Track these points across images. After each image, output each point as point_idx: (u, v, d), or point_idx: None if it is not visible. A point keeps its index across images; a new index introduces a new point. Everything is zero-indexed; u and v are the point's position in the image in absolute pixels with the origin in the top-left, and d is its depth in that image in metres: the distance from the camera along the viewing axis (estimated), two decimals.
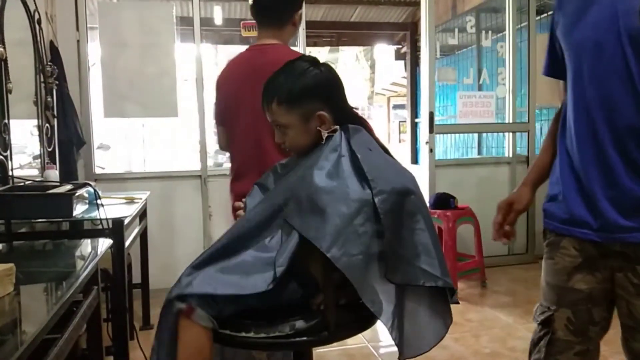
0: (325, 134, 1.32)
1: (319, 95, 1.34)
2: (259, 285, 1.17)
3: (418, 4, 4.16)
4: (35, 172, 2.62)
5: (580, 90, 1.17)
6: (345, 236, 1.16)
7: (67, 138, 3.05)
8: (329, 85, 1.37)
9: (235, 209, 1.52)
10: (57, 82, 2.78)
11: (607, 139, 1.12)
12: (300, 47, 3.89)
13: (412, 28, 6.65)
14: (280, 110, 1.34)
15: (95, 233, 1.96)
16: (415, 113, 7.11)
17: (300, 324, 1.22)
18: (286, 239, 1.22)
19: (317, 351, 1.55)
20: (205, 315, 1.17)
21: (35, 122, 2.61)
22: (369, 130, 1.40)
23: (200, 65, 3.75)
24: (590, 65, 1.14)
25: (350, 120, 1.38)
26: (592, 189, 1.15)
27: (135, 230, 2.63)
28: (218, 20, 5.11)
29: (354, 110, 1.48)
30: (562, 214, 1.23)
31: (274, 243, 1.25)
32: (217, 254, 1.26)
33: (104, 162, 4.51)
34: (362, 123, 1.41)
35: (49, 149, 2.71)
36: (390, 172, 1.28)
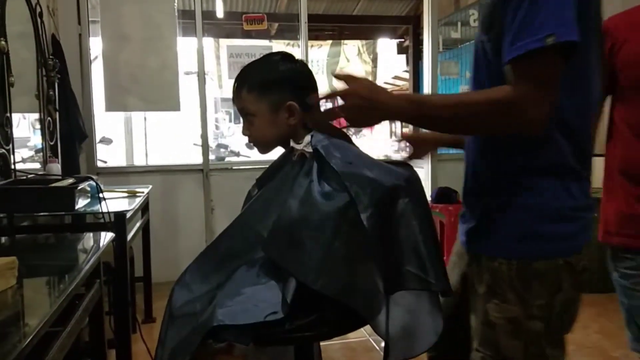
0: (298, 150, 1.29)
1: (291, 88, 1.31)
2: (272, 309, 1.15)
3: None
4: (37, 165, 2.62)
5: None
6: (329, 266, 1.12)
7: (69, 132, 3.06)
8: (302, 81, 1.34)
9: None
10: (59, 76, 2.78)
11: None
12: (302, 41, 3.88)
13: (414, 22, 6.60)
14: (250, 98, 1.31)
15: (97, 226, 1.96)
16: None
17: (298, 319, 1.18)
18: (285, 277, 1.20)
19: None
20: (243, 346, 1.15)
21: (37, 115, 2.61)
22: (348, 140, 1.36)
23: (202, 58, 3.74)
24: None
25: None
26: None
27: (138, 224, 2.64)
28: (220, 13, 5.09)
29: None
30: None
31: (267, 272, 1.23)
32: (210, 267, 1.25)
33: (105, 155, 4.50)
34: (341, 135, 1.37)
35: (51, 143, 2.71)
36: (379, 177, 1.21)
